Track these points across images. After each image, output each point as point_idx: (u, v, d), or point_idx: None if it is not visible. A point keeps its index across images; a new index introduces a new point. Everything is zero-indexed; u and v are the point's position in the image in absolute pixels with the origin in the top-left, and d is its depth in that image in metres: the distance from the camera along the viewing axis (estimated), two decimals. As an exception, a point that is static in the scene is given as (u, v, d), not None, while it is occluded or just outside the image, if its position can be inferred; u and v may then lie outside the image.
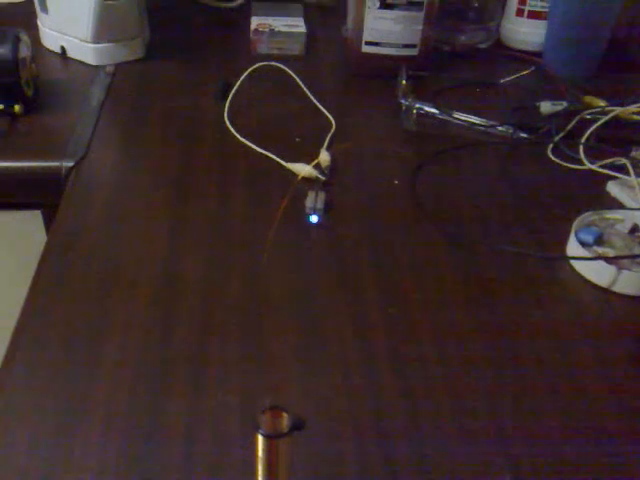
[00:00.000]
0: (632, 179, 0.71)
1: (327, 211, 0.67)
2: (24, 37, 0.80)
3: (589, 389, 0.52)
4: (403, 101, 0.83)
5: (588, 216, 0.65)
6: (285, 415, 0.39)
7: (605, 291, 0.60)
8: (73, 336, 0.54)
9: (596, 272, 0.60)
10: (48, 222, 0.75)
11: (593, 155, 0.75)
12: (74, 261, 0.61)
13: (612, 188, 0.71)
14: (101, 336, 0.54)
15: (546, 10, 0.96)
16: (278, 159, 0.73)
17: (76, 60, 0.93)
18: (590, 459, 0.48)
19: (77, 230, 0.65)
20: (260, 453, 0.40)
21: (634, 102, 0.81)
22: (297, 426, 0.40)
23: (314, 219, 0.66)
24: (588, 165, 0.74)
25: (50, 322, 0.56)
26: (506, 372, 0.53)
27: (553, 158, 0.76)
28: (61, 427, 0.48)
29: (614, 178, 0.72)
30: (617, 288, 0.59)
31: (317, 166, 0.72)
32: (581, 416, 0.50)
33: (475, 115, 0.82)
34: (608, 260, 0.60)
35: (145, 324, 0.56)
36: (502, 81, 0.92)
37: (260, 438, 0.39)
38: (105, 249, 0.63)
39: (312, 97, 0.85)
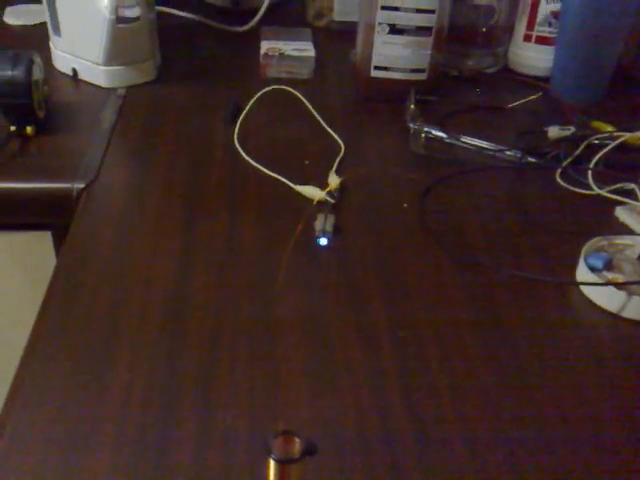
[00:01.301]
0: (641, 204, 0.71)
1: (336, 234, 0.68)
2: (37, 59, 0.81)
3: (598, 415, 0.52)
4: (411, 125, 0.84)
5: (597, 241, 0.65)
6: (297, 440, 0.39)
7: (615, 317, 0.60)
8: (82, 358, 0.55)
9: (606, 297, 0.60)
10: (58, 243, 0.76)
11: (601, 180, 0.75)
12: (84, 283, 0.61)
13: (621, 213, 0.72)
14: (110, 359, 0.54)
15: (554, 36, 0.97)
16: (288, 182, 0.74)
17: (87, 82, 0.94)
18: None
19: (87, 252, 0.65)
20: (272, 478, 0.39)
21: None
22: (309, 451, 0.40)
23: (323, 242, 0.67)
24: (596, 190, 0.74)
25: (60, 344, 0.56)
26: (515, 397, 0.53)
27: (561, 183, 0.76)
28: (69, 452, 0.48)
29: (623, 203, 0.73)
30: (627, 314, 0.59)
31: (326, 188, 0.72)
32: (590, 441, 0.50)
33: (483, 139, 0.82)
34: (618, 286, 0.60)
35: (154, 346, 0.56)
36: (510, 106, 0.93)
37: (272, 463, 0.39)
38: (115, 271, 0.63)
39: (321, 120, 0.86)
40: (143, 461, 0.47)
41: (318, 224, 0.68)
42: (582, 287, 0.62)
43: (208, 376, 0.53)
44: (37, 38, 1.00)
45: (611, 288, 0.60)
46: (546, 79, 0.98)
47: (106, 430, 0.49)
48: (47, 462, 0.47)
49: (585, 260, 0.63)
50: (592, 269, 0.62)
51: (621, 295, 0.59)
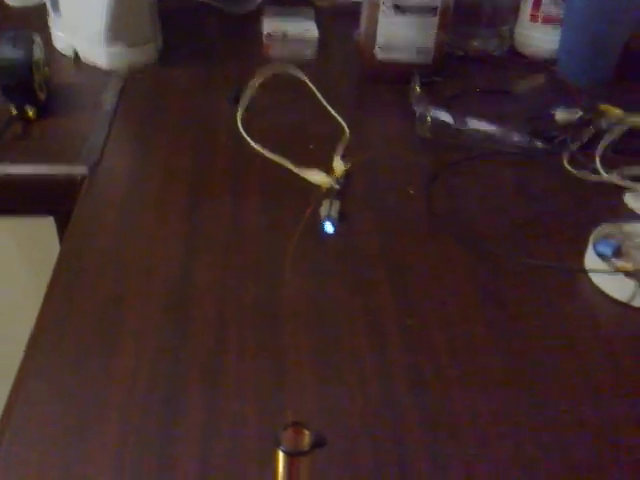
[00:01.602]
0: (649, 190, 0.70)
1: (341, 220, 0.67)
2: (37, 39, 0.80)
3: (607, 405, 0.52)
4: (417, 108, 0.83)
5: (606, 228, 0.65)
6: (307, 432, 0.39)
7: (624, 305, 0.59)
8: (86, 346, 0.54)
9: (615, 286, 0.60)
10: (61, 228, 0.75)
11: (610, 165, 0.74)
12: (88, 269, 0.61)
13: (630, 199, 0.71)
14: (115, 346, 0.54)
15: (561, 16, 0.95)
16: (292, 167, 0.73)
17: (89, 64, 0.92)
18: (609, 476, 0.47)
19: (91, 237, 0.64)
20: (280, 470, 0.39)
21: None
22: (319, 443, 0.39)
23: (329, 228, 0.66)
24: (605, 175, 0.73)
25: (64, 331, 0.55)
26: (523, 387, 0.53)
27: (569, 168, 0.76)
28: (74, 444, 0.47)
29: (632, 189, 0.72)
30: (637, 302, 0.59)
31: (331, 174, 0.71)
32: (600, 430, 0.50)
33: (489, 123, 0.81)
34: (627, 274, 0.59)
35: (159, 333, 0.55)
36: (516, 88, 0.92)
37: (281, 455, 0.39)
38: (119, 257, 0.62)
39: (325, 103, 0.84)
40: (149, 450, 0.47)
41: (323, 210, 0.67)
42: (591, 275, 0.62)
43: (214, 363, 0.53)
44: (37, 19, 0.98)
45: (620, 276, 0.59)
46: (553, 61, 0.97)
47: (112, 418, 0.49)
48: (51, 454, 0.47)
49: (594, 247, 0.62)
50: (601, 256, 0.61)
51: (630, 283, 0.59)
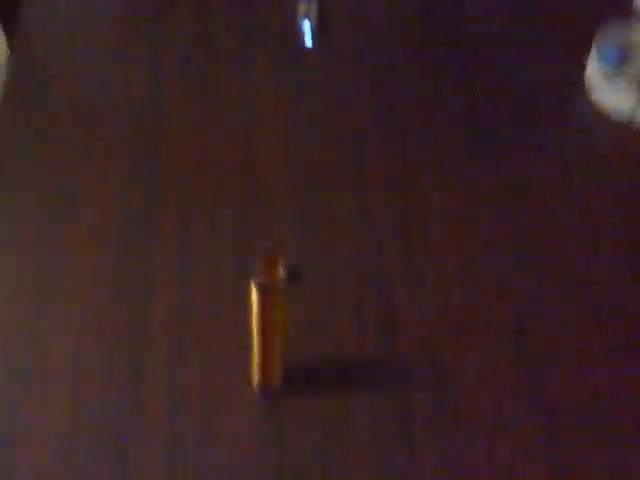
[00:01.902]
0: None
1: (323, 30, 0.60)
2: None
3: (597, 224, 0.49)
4: None
5: (612, 34, 0.59)
6: (281, 262, 0.36)
7: (627, 118, 0.55)
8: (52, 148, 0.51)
9: (618, 97, 0.55)
10: (8, 27, 0.68)
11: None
12: (44, 83, 0.56)
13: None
14: (81, 163, 0.51)
15: None
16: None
17: None
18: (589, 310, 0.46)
19: (42, 49, 0.58)
20: (255, 304, 0.37)
21: None
22: (294, 276, 0.37)
23: (308, 40, 0.59)
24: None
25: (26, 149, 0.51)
26: (516, 215, 0.50)
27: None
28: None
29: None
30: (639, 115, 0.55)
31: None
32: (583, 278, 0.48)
33: None
34: (631, 83, 0.54)
35: (128, 153, 0.52)
36: None
37: (254, 288, 0.36)
38: (75, 71, 0.57)
39: None
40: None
41: (301, 16, 0.60)
42: (592, 86, 0.57)
43: (187, 192, 0.50)
44: None
45: (624, 85, 0.54)
46: None
47: (81, 258, 0.46)
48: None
49: (597, 55, 0.56)
50: (605, 65, 0.56)
51: (634, 93, 0.54)
